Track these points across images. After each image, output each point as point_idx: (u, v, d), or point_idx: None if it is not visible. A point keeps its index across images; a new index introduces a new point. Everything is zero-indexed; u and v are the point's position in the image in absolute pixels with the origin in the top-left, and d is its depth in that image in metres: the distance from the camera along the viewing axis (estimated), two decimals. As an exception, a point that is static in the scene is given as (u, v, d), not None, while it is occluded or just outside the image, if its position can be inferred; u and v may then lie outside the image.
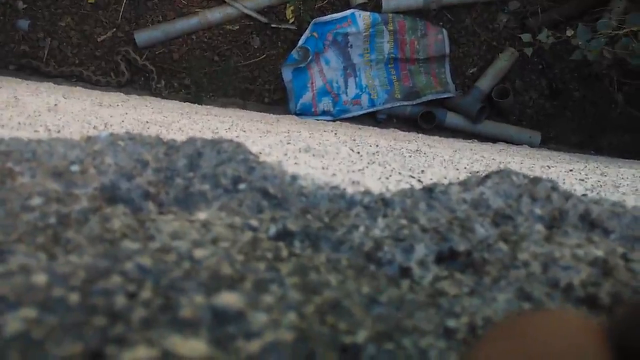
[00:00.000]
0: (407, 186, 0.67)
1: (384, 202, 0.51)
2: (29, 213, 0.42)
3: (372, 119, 2.39)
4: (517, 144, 2.22)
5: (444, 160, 1.17)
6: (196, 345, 0.26)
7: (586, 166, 1.38)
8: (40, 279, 0.29)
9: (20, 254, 0.34)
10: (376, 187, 0.62)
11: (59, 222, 0.42)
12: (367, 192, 0.53)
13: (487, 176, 0.56)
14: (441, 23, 2.35)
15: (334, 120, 2.30)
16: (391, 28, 2.31)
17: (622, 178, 1.16)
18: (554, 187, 0.55)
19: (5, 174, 0.46)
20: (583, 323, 0.26)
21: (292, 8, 2.32)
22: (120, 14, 2.34)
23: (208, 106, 2.16)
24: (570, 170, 1.21)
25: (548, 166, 1.25)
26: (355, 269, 0.40)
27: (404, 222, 0.47)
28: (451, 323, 0.34)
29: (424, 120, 2.31)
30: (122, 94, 1.96)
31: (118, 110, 1.35)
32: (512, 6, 2.33)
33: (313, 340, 0.29)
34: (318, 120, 2.26)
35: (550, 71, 2.33)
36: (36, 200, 0.43)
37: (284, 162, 0.72)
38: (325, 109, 2.35)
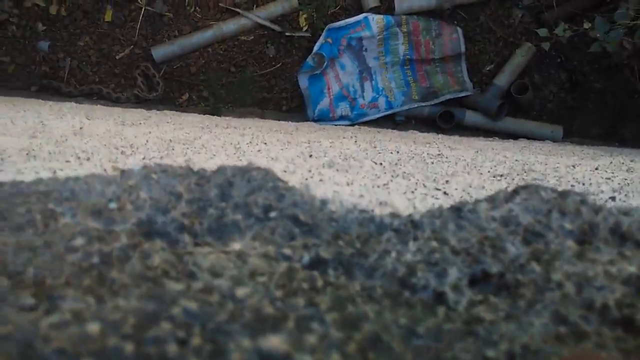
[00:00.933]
0: (434, 201, 0.68)
1: (413, 224, 0.52)
2: (73, 254, 0.44)
3: (390, 121, 2.38)
4: (539, 140, 2.20)
5: (467, 164, 1.16)
6: (246, 389, 0.27)
7: (611, 162, 1.36)
8: (94, 328, 0.30)
9: (69, 299, 0.36)
10: (403, 206, 0.62)
11: (102, 262, 0.44)
12: (395, 215, 0.54)
13: (515, 191, 0.56)
14: (455, 22, 2.34)
15: (352, 125, 2.31)
16: (405, 30, 2.30)
17: (649, 174, 1.15)
18: (583, 201, 0.55)
19: (48, 216, 0.47)
20: None
21: (305, 15, 2.34)
22: (137, 31, 2.37)
23: (227, 117, 2.18)
24: (596, 169, 1.20)
25: (573, 165, 1.24)
26: (391, 297, 0.41)
27: (434, 244, 0.48)
28: (490, 353, 0.34)
29: (443, 120, 2.30)
30: (143, 110, 2.00)
31: (141, 129, 1.38)
32: (527, 1, 2.30)
33: (357, 377, 0.30)
34: (336, 125, 2.27)
35: (569, 64, 2.30)
36: (79, 241, 0.45)
37: (310, 182, 0.73)
38: (343, 113, 2.35)
